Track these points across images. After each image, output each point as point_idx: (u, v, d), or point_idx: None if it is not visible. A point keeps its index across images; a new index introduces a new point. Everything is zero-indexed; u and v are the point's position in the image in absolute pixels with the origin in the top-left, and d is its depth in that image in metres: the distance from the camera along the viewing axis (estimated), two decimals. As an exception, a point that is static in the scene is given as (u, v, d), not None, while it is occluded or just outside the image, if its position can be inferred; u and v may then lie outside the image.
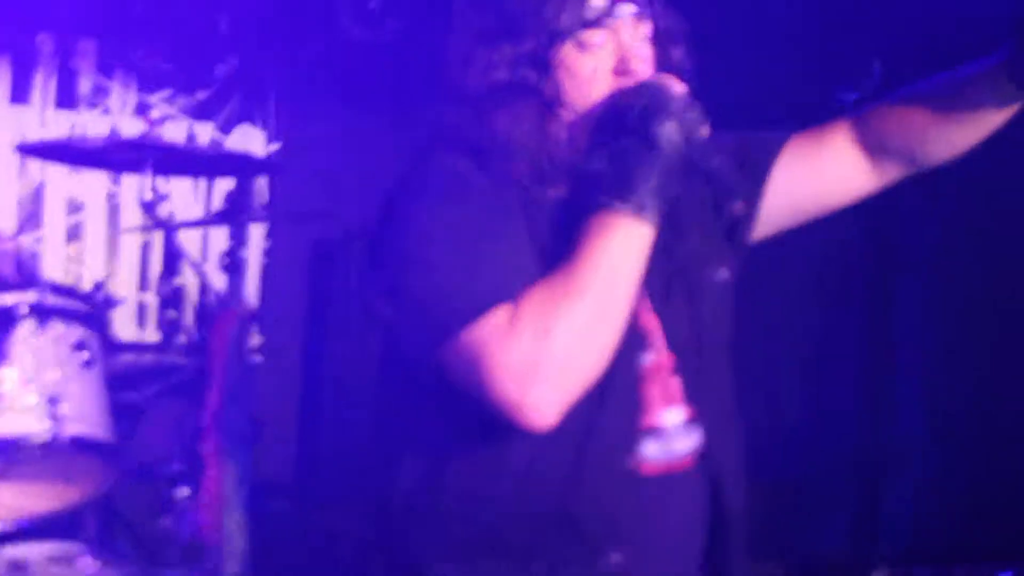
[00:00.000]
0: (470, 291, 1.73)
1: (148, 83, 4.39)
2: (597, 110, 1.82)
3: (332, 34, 4.32)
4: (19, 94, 4.20)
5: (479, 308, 1.71)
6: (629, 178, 1.75)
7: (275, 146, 4.59)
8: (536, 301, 1.73)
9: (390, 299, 1.80)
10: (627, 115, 1.77)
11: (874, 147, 1.93)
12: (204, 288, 3.71)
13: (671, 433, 1.88)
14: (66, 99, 4.23)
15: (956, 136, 1.88)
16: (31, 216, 4.34)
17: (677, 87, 1.76)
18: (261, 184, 4.52)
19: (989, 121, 1.84)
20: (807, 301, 4.77)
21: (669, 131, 1.73)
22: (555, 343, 1.69)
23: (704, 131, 1.77)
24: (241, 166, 3.88)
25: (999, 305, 4.50)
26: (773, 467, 4.11)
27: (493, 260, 1.77)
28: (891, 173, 1.97)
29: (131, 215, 4.28)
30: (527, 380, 1.68)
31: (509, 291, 1.72)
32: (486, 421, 1.74)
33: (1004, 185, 4.07)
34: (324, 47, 4.40)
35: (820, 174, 1.98)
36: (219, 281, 3.65)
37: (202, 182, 4.42)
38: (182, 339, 3.62)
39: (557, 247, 1.79)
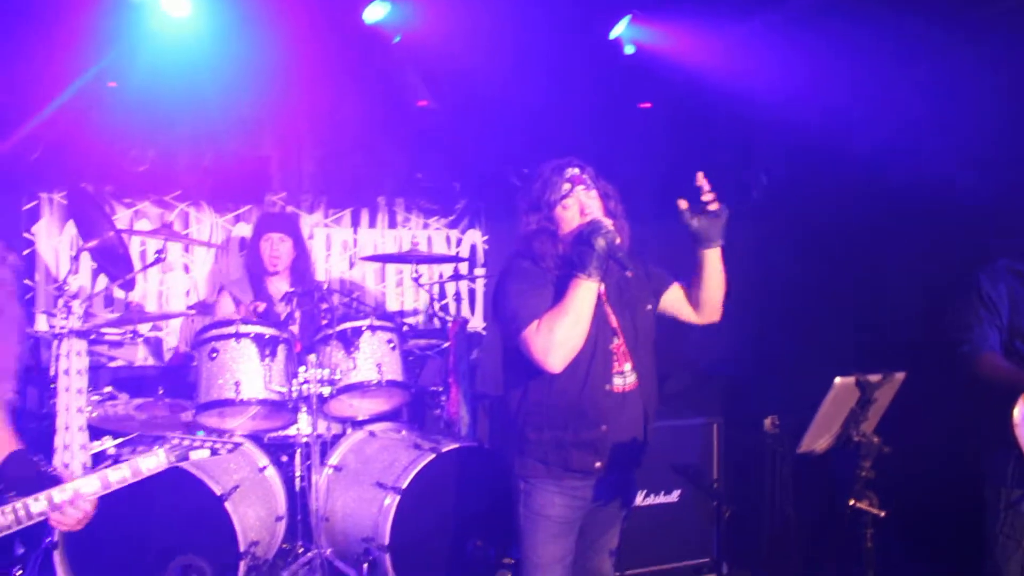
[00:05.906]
0: (522, 316, 2.49)
1: (426, 215, 6.11)
2: (573, 234, 2.56)
3: (507, 185, 5.64)
4: (371, 223, 5.95)
5: (526, 322, 2.47)
6: (584, 263, 2.45)
7: (486, 237, 6.27)
8: (548, 318, 2.45)
9: (497, 318, 2.63)
10: (584, 235, 2.48)
11: (690, 299, 2.81)
12: (445, 308, 5.58)
13: (626, 374, 2.60)
14: (392, 224, 6.00)
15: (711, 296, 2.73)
16: (377, 279, 5.89)
17: (607, 221, 2.46)
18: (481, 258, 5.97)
19: (718, 287, 2.69)
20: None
21: (599, 242, 2.42)
22: (555, 336, 2.41)
23: (620, 241, 2.42)
24: (471, 254, 5.99)
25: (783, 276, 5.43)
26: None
27: (532, 301, 2.52)
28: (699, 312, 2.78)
29: (423, 277, 5.47)
30: (546, 353, 2.44)
31: (537, 314, 2.48)
32: (539, 370, 2.48)
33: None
34: (503, 192, 5.78)
35: (678, 307, 2.85)
36: (453, 306, 5.53)
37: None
38: (438, 328, 4.88)
39: (558, 296, 2.51)
